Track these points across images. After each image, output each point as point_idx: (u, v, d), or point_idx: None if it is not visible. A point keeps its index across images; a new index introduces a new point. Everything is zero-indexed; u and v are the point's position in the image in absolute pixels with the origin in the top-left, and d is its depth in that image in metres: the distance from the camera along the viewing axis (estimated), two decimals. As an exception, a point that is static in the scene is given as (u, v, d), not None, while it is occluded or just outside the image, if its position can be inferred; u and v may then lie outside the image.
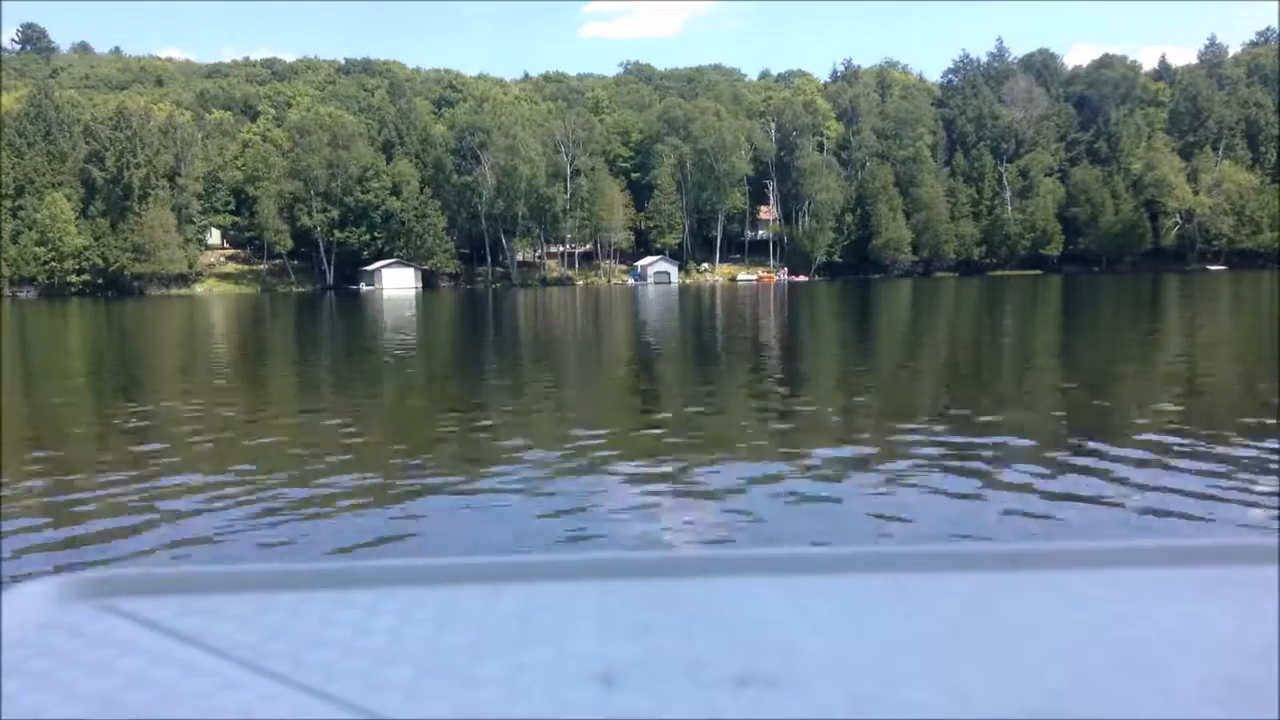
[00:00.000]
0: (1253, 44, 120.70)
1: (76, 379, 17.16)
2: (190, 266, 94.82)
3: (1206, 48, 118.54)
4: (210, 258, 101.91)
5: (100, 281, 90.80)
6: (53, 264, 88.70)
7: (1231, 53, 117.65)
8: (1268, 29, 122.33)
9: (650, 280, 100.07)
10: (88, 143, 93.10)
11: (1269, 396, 11.09)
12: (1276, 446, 7.85)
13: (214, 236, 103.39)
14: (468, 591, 1.04)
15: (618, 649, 0.89)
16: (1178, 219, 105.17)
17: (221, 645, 0.91)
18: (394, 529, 5.89)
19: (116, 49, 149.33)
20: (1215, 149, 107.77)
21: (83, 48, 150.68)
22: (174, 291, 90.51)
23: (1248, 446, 7.84)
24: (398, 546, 5.53)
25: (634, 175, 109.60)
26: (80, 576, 1.07)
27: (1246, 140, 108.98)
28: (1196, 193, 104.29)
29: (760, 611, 0.97)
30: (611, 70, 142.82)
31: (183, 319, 41.66)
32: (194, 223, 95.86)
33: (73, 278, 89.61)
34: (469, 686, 0.82)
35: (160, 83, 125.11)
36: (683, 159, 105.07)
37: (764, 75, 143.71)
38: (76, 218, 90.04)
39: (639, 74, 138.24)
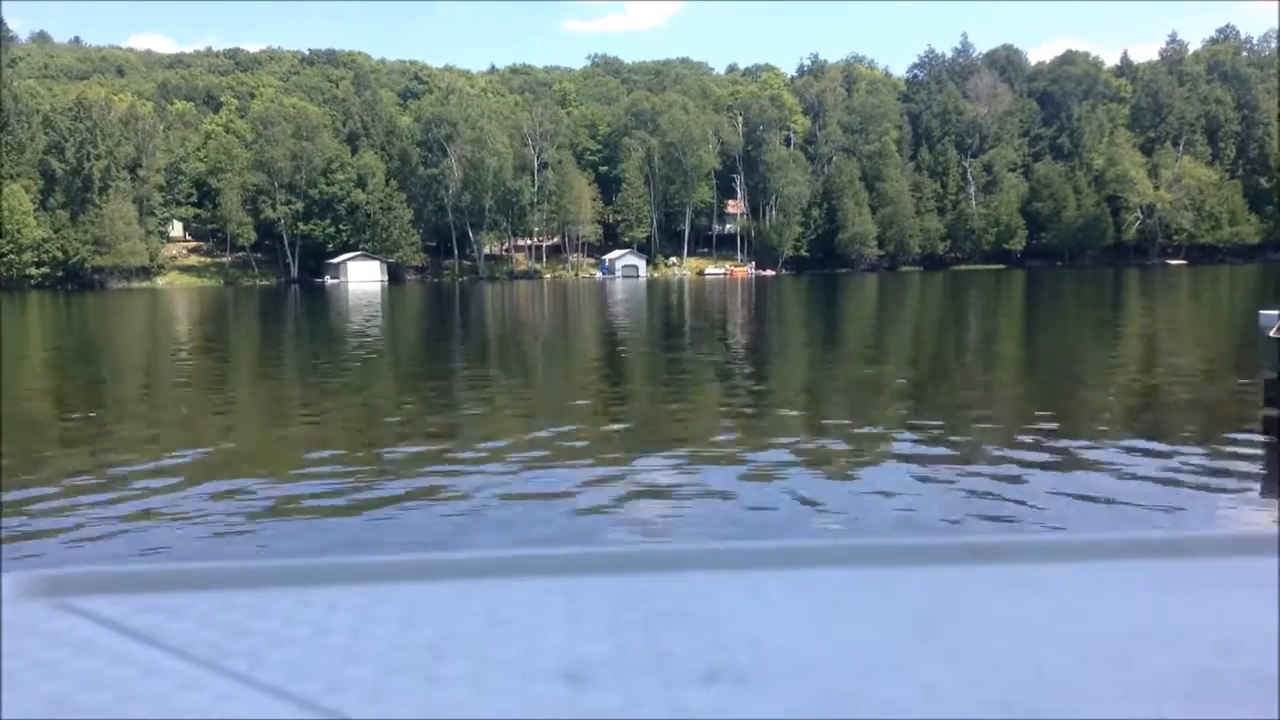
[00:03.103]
0: (1213, 41, 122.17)
1: (39, 375, 16.91)
2: (152, 259, 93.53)
3: (1168, 45, 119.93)
4: (172, 250, 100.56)
5: (60, 274, 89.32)
6: (11, 256, 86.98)
7: (1192, 50, 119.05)
8: (1228, 26, 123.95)
9: (618, 274, 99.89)
10: (47, 133, 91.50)
11: (1230, 391, 11.26)
12: (1238, 438, 7.96)
13: (176, 229, 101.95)
14: (432, 588, 1.02)
15: (585, 646, 0.88)
16: (1139, 214, 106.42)
17: (180, 644, 0.89)
18: (368, 528, 5.85)
19: (76, 39, 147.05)
20: (1176, 145, 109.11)
21: (41, 37, 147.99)
22: (135, 285, 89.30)
23: (1212, 441, 7.94)
24: (368, 544, 5.50)
25: (602, 169, 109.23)
26: (34, 574, 1.05)
27: (1206, 136, 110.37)
28: (1157, 188, 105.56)
29: (728, 607, 0.96)
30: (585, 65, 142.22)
31: (145, 314, 41.10)
32: (155, 215, 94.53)
33: (32, 270, 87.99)
34: (434, 685, 0.81)
35: (121, 73, 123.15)
36: (650, 152, 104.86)
37: (731, 69, 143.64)
38: (35, 209, 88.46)
39: (607, 67, 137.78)
